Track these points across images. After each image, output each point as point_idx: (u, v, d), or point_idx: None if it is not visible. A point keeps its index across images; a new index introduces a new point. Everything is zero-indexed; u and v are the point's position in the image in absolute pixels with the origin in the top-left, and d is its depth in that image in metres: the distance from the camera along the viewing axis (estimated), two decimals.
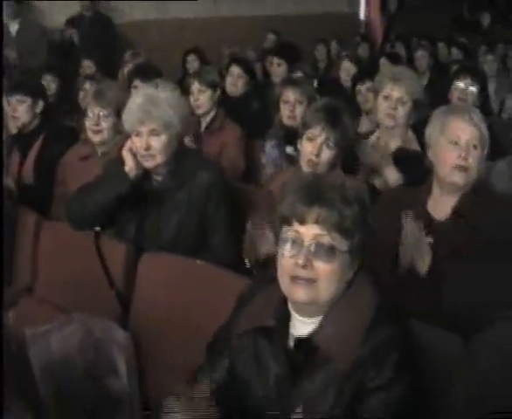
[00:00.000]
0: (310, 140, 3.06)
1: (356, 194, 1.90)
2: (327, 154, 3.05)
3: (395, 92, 3.56)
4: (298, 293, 1.85)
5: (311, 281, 1.84)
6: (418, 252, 2.61)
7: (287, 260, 1.86)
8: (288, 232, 1.87)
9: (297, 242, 1.85)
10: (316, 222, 1.83)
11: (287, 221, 1.88)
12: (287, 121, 4.07)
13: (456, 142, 2.67)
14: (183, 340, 2.65)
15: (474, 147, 2.67)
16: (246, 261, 2.98)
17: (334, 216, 1.83)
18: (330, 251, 1.84)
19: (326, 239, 1.83)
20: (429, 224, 2.69)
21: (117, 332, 2.64)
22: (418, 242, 2.61)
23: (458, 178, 2.66)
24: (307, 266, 1.83)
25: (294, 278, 1.85)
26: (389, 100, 3.57)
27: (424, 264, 2.61)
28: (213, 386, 1.99)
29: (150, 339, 2.72)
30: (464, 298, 2.50)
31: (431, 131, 2.78)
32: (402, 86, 3.56)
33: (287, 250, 1.86)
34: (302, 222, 1.85)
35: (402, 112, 3.57)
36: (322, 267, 1.84)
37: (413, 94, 3.58)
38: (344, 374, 1.83)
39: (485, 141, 2.70)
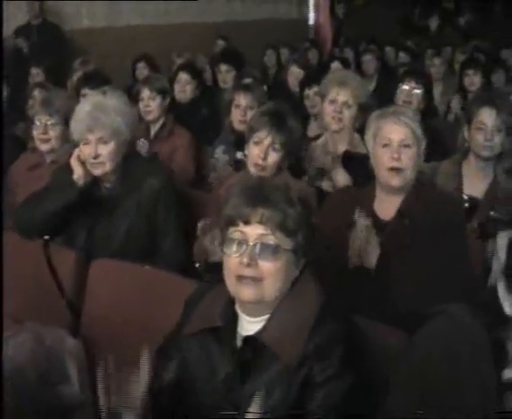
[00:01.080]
0: (257, 143, 3.10)
1: (299, 195, 1.96)
2: (273, 158, 3.09)
3: (340, 96, 3.64)
4: (244, 292, 1.90)
5: (257, 280, 1.88)
6: (367, 247, 2.67)
7: (233, 260, 1.90)
8: (234, 233, 1.91)
9: (242, 242, 1.90)
10: (260, 222, 1.88)
11: (232, 222, 1.92)
12: (238, 126, 4.10)
13: (388, 144, 2.73)
14: (135, 346, 2.65)
15: (407, 146, 2.72)
16: (197, 265, 3.01)
17: (277, 215, 1.88)
18: (275, 250, 1.88)
19: (270, 238, 1.88)
20: (375, 224, 2.75)
21: (68, 340, 2.63)
22: (368, 237, 2.66)
23: (394, 181, 2.73)
24: (252, 265, 1.87)
25: (240, 278, 1.89)
26: (335, 104, 3.64)
27: (372, 259, 2.66)
28: (156, 386, 2.02)
29: (103, 346, 2.72)
30: (410, 294, 2.57)
31: (367, 137, 2.85)
32: (347, 90, 3.64)
33: (232, 251, 1.91)
34: (247, 222, 1.89)
35: (348, 115, 3.64)
36: (267, 266, 1.88)
37: (359, 98, 3.66)
38: (291, 369, 1.88)
39: (418, 140, 2.75)
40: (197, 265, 2.99)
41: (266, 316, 1.95)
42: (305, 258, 1.97)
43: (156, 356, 2.13)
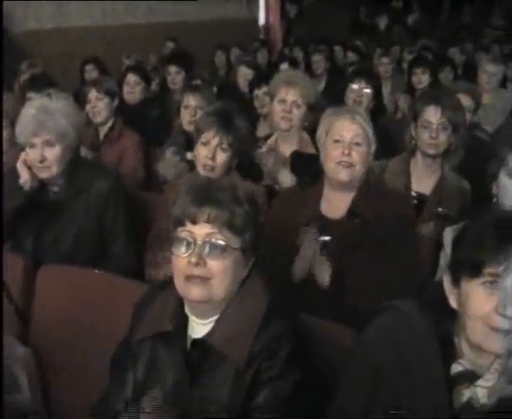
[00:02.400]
0: (204, 144, 3.10)
1: (246, 194, 1.97)
2: (222, 158, 3.10)
3: (289, 95, 3.66)
4: (193, 292, 1.89)
5: (205, 279, 1.88)
6: (317, 268, 2.69)
7: (181, 260, 1.89)
8: (182, 233, 1.91)
9: (190, 241, 1.89)
10: (208, 220, 1.88)
11: (180, 222, 1.92)
12: (187, 127, 4.11)
13: (340, 140, 2.77)
14: (87, 351, 2.63)
15: (358, 144, 2.77)
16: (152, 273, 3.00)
17: (225, 214, 1.88)
18: (223, 249, 1.88)
19: (218, 237, 1.88)
20: (322, 224, 2.77)
21: (17, 347, 2.60)
22: (316, 258, 2.68)
23: (343, 175, 2.75)
24: (201, 264, 1.87)
25: (189, 278, 1.88)
26: (284, 104, 3.66)
27: (325, 277, 2.68)
28: (121, 406, 2.01)
29: (53, 352, 2.69)
30: (364, 293, 2.60)
31: (319, 133, 2.88)
32: (296, 90, 3.67)
33: (181, 251, 1.90)
34: (194, 221, 1.89)
35: (297, 114, 3.66)
36: (215, 265, 1.88)
37: (308, 97, 3.68)
38: (240, 369, 1.89)
39: (369, 140, 2.81)
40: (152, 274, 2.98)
41: (216, 317, 1.95)
42: (253, 258, 1.97)
43: (111, 366, 2.12)
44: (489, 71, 5.67)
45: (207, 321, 1.96)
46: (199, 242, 1.88)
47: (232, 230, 1.90)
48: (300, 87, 3.69)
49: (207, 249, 1.88)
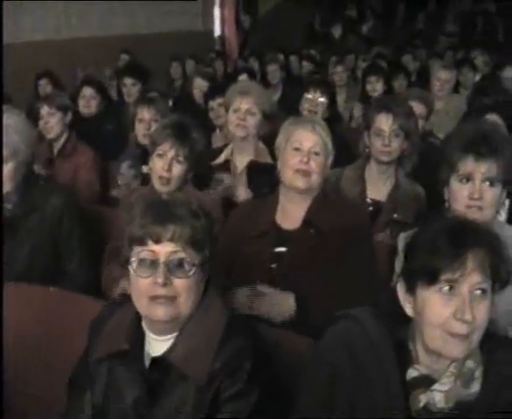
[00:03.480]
0: (160, 156, 3.09)
1: (200, 207, 1.95)
2: (178, 170, 3.09)
3: (243, 104, 3.70)
4: (158, 312, 1.86)
5: (171, 298, 1.85)
6: (281, 309, 2.67)
7: (144, 281, 1.86)
8: (142, 252, 1.87)
9: (154, 261, 1.86)
10: (171, 239, 1.85)
11: (140, 241, 1.87)
12: (142, 140, 4.10)
13: (299, 148, 2.78)
14: (47, 370, 2.59)
15: (316, 153, 2.78)
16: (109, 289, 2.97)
17: (187, 231, 1.86)
18: (186, 266, 1.86)
19: (181, 255, 1.86)
20: (279, 235, 2.78)
21: None
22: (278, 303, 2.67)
23: (300, 182, 2.76)
24: (167, 284, 1.84)
25: (154, 298, 1.85)
26: (238, 112, 3.69)
27: (290, 310, 2.67)
28: None
29: (10, 372, 2.64)
30: (322, 303, 2.61)
31: (279, 141, 2.89)
32: (250, 98, 3.71)
33: (143, 271, 1.87)
34: (158, 240, 1.86)
35: (252, 122, 3.70)
36: (181, 283, 1.86)
37: (262, 105, 3.72)
38: (201, 387, 1.87)
39: (327, 150, 2.83)
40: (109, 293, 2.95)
41: (175, 334, 1.93)
42: (208, 273, 1.96)
43: (69, 387, 2.08)
44: (442, 77, 5.76)
45: (165, 338, 1.93)
46: (162, 261, 1.85)
47: (195, 246, 1.88)
48: (255, 96, 3.73)
49: (172, 267, 1.85)
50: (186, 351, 1.90)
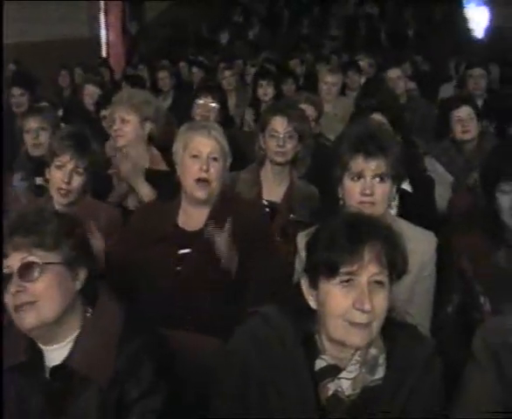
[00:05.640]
0: (59, 167, 3.07)
1: (54, 212, 2.02)
2: (77, 181, 3.08)
3: (130, 116, 3.64)
4: (23, 321, 1.87)
5: (32, 303, 1.86)
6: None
7: (8, 295, 1.87)
8: (5, 269, 1.88)
9: (9, 274, 1.87)
10: (17, 248, 1.87)
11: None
12: (32, 151, 4.03)
13: (197, 156, 2.82)
14: None
15: (215, 159, 2.83)
16: None
17: (33, 237, 1.87)
18: (37, 269, 1.87)
19: (30, 259, 1.87)
20: (182, 237, 2.81)
21: None
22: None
23: (201, 192, 2.80)
24: (23, 291, 1.85)
25: (17, 308, 1.86)
26: (122, 123, 3.65)
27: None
28: None
29: None
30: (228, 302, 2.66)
31: (176, 148, 2.91)
32: (133, 106, 3.64)
33: (7, 286, 1.87)
34: (14, 248, 1.87)
35: (126, 129, 3.64)
36: (36, 286, 1.87)
37: (147, 113, 3.67)
38: (104, 390, 1.88)
39: (225, 154, 2.88)
40: None
41: (68, 340, 1.94)
42: (85, 270, 1.97)
43: None
44: (329, 81, 5.93)
45: (59, 346, 1.93)
46: (16, 268, 1.86)
47: (44, 248, 1.88)
48: (137, 104, 3.66)
49: (23, 272, 1.86)
50: (85, 355, 1.91)
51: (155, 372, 1.91)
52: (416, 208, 3.02)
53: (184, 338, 2.27)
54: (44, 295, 1.87)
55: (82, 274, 1.96)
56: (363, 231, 1.76)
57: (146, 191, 3.49)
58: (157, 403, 1.90)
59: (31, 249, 1.87)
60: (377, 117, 3.49)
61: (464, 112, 4.31)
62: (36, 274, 1.87)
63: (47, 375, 1.94)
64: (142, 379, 1.89)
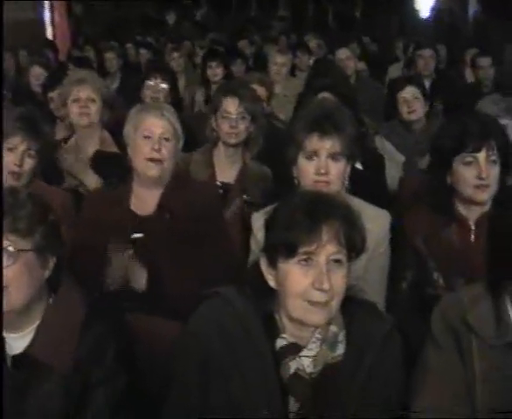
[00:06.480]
0: (11, 150, 3.00)
1: (29, 195, 1.93)
2: (29, 164, 3.03)
3: (82, 93, 3.67)
4: None
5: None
6: (132, 276, 2.68)
7: None
8: None
9: None
10: None
11: None
12: None
13: (149, 136, 2.79)
14: None
15: (167, 139, 2.81)
16: None
17: (8, 220, 1.83)
18: (10, 254, 1.82)
19: (6, 244, 1.82)
20: (135, 221, 2.79)
21: None
22: (130, 268, 2.68)
23: (153, 171, 2.78)
24: None
25: None
26: (79, 101, 3.67)
27: (141, 284, 2.68)
28: None
29: None
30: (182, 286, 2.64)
31: (127, 129, 2.88)
32: (87, 87, 3.68)
33: None
34: None
35: (94, 109, 3.68)
36: (7, 272, 1.82)
37: (101, 93, 3.69)
38: (67, 377, 1.86)
39: (177, 135, 2.87)
40: None
41: (30, 328, 1.91)
42: (53, 257, 1.93)
43: None
44: (278, 61, 5.94)
45: (22, 334, 1.90)
46: None
47: (17, 233, 1.84)
48: (92, 83, 3.72)
49: None
50: (47, 342, 1.88)
51: (118, 357, 1.90)
52: (367, 186, 3.04)
53: (145, 322, 2.26)
54: (14, 281, 1.83)
55: (51, 262, 1.93)
56: (321, 211, 1.76)
57: (92, 180, 3.46)
58: (120, 389, 1.89)
59: (7, 233, 1.82)
60: (325, 95, 3.50)
61: (409, 92, 4.36)
62: (8, 259, 1.82)
63: (9, 364, 1.91)
64: (105, 365, 1.88)
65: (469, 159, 2.46)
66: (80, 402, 1.87)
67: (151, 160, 2.77)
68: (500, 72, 6.16)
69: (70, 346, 1.88)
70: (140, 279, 2.68)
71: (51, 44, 9.28)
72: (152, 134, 2.80)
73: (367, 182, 3.15)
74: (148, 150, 2.77)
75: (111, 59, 7.32)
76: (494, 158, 2.46)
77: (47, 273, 1.93)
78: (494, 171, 2.47)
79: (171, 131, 2.83)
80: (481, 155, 2.44)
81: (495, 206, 2.53)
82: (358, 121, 3.67)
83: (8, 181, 3.00)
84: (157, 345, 2.16)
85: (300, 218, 1.74)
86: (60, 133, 4.40)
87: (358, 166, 3.45)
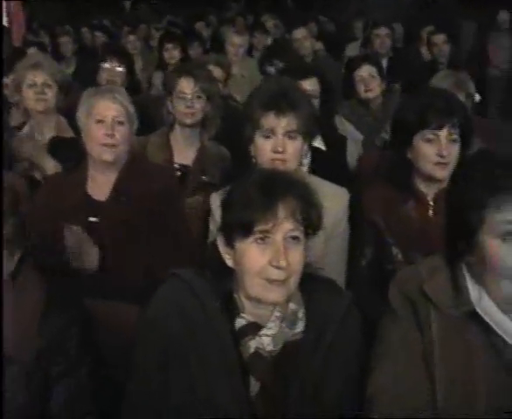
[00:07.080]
0: None
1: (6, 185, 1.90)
2: None
3: (38, 78, 3.60)
4: None
5: None
6: (85, 254, 2.66)
7: None
8: None
9: None
10: None
11: None
12: None
13: (102, 120, 2.77)
14: None
15: (120, 123, 2.79)
16: None
17: None
18: None
19: None
20: (89, 206, 2.77)
21: None
22: (83, 246, 2.66)
23: (107, 155, 2.77)
24: None
25: None
26: (35, 87, 3.60)
27: (93, 261, 2.67)
28: None
29: None
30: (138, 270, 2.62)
31: (80, 113, 2.85)
32: (44, 71, 3.61)
33: None
34: None
35: (50, 94, 3.61)
36: None
37: (56, 77, 3.64)
38: (29, 368, 1.84)
39: (131, 118, 2.85)
40: None
41: None
42: (20, 249, 1.90)
43: None
44: (235, 42, 5.92)
45: None
46: None
47: None
48: (47, 68, 3.65)
49: None
50: (6, 333, 1.84)
51: (80, 346, 1.88)
52: (328, 165, 3.05)
53: (105, 307, 2.22)
54: None
55: (17, 253, 1.90)
56: (276, 189, 1.75)
57: (50, 165, 3.42)
58: (81, 378, 1.88)
59: None
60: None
61: (366, 71, 4.38)
62: None
63: None
64: (66, 356, 1.86)
65: (431, 136, 2.47)
66: (43, 393, 1.86)
67: (105, 145, 2.74)
68: (455, 50, 6.21)
69: (29, 336, 1.85)
70: (92, 259, 2.66)
71: (5, 30, 9.11)
72: (105, 118, 2.77)
73: (328, 161, 3.16)
74: (101, 135, 2.75)
75: (66, 43, 7.22)
76: (455, 137, 2.47)
77: (12, 265, 1.89)
78: (455, 149, 2.48)
79: (124, 114, 2.80)
80: (443, 133, 2.45)
81: (453, 181, 2.54)
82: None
83: None
84: (117, 330, 2.14)
85: (256, 196, 1.73)
86: (15, 120, 4.33)
87: (320, 145, 3.46)
